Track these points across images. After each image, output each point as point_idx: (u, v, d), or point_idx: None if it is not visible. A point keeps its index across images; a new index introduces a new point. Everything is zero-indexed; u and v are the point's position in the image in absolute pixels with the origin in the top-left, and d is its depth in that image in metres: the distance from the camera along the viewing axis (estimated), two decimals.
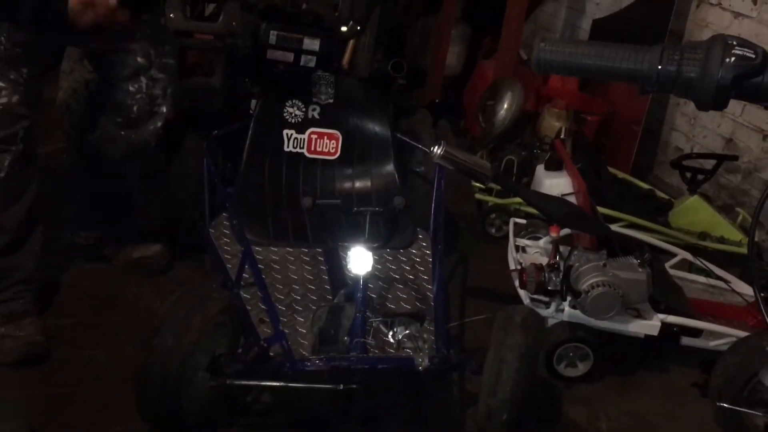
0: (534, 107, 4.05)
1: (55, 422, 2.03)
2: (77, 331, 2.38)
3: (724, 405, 1.73)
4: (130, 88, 2.39)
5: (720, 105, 0.74)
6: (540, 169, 3.18)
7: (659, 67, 0.75)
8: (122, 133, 2.43)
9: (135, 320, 2.36)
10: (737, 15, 3.90)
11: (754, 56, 0.72)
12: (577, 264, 2.40)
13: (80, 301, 2.53)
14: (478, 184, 3.49)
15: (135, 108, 2.41)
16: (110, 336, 2.36)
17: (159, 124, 2.43)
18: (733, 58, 0.72)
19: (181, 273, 2.75)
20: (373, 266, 2.12)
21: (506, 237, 3.10)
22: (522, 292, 2.54)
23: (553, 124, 3.67)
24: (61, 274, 2.67)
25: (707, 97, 0.73)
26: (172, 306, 1.88)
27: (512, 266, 2.79)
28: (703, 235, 3.39)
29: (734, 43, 0.72)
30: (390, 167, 2.74)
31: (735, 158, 3.56)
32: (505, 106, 3.55)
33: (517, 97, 3.54)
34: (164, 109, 2.46)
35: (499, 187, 3.43)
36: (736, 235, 3.38)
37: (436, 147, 2.08)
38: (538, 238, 3.04)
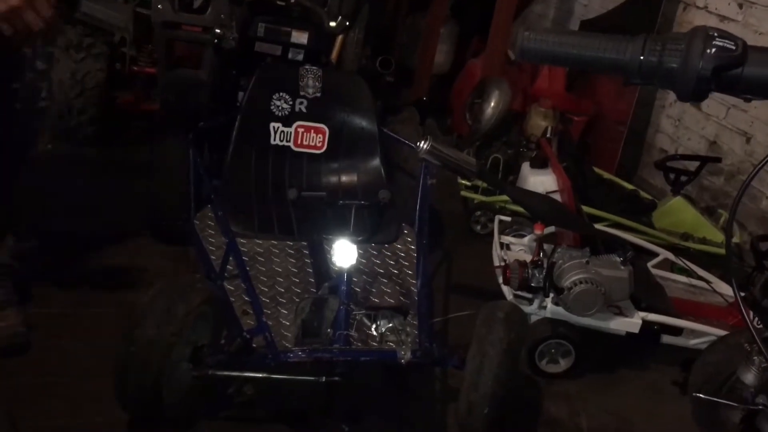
0: (521, 107, 4.07)
1: (37, 412, 2.01)
2: (59, 322, 2.36)
3: (701, 396, 1.75)
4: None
5: (700, 96, 0.74)
6: (525, 167, 3.20)
7: (641, 57, 0.76)
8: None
9: (117, 311, 2.34)
10: (723, 18, 3.93)
11: (734, 48, 0.73)
12: (560, 261, 2.41)
13: (61, 292, 2.51)
14: (463, 182, 3.50)
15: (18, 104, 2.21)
16: (91, 327, 2.35)
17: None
18: (713, 50, 0.73)
19: (165, 265, 2.74)
20: (357, 260, 2.12)
21: (491, 234, 3.12)
22: (505, 289, 2.56)
23: (539, 123, 3.69)
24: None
25: (688, 88, 0.74)
26: (154, 296, 1.87)
27: (496, 263, 2.81)
28: (686, 236, 3.42)
29: (715, 34, 0.73)
30: (376, 162, 2.75)
31: (718, 160, 3.60)
32: (492, 104, 3.56)
33: (504, 96, 3.56)
34: (44, 104, 2.22)
35: (484, 185, 3.45)
36: (718, 236, 3.42)
37: (423, 142, 2.09)
38: (523, 236, 3.06)
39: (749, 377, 1.57)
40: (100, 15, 3.33)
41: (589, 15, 4.99)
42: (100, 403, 2.01)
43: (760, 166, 0.88)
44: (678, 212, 3.50)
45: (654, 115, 4.40)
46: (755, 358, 1.67)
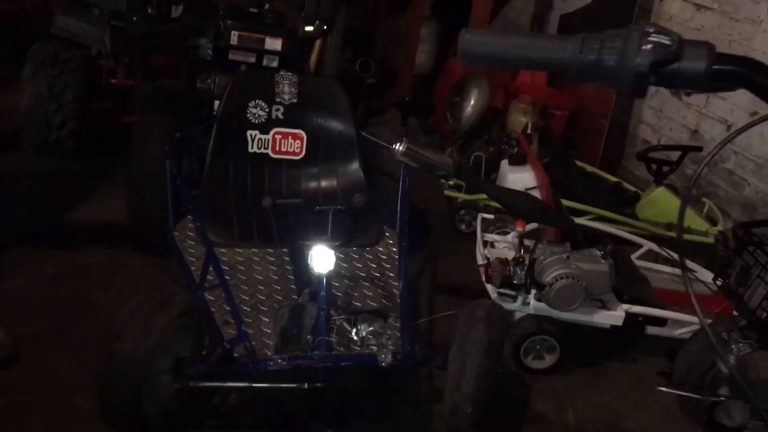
0: (503, 104, 4.07)
1: (21, 430, 2.01)
2: (41, 340, 2.36)
3: (663, 389, 1.75)
4: None
5: (640, 92, 0.75)
6: (504, 164, 3.21)
7: (580, 56, 0.76)
8: None
9: (99, 326, 2.33)
10: (699, 7, 3.95)
11: (670, 43, 0.73)
12: (541, 257, 2.41)
13: (44, 309, 2.50)
14: (447, 181, 3.50)
15: None
16: (74, 343, 2.34)
17: None
18: (649, 45, 0.73)
19: (147, 276, 2.73)
20: (337, 264, 2.12)
21: (475, 233, 3.12)
22: (489, 287, 2.56)
23: (519, 119, 3.69)
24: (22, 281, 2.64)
25: (627, 84, 0.75)
26: (132, 311, 1.86)
27: (480, 261, 2.80)
28: (670, 226, 3.42)
29: (651, 30, 0.74)
30: (355, 165, 2.74)
31: (699, 149, 3.61)
32: (472, 103, 3.56)
33: (483, 94, 3.56)
34: None
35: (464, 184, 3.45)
36: (703, 225, 3.42)
37: (398, 144, 2.09)
38: (507, 233, 3.06)
39: (724, 367, 1.57)
40: (75, 29, 3.32)
41: (568, 9, 4.99)
42: (83, 420, 2.01)
43: (714, 152, 0.88)
44: (661, 202, 3.51)
45: (635, 107, 4.41)
46: (732, 346, 1.68)
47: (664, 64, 0.73)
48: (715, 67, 0.74)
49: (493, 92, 3.87)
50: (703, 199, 3.68)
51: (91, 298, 2.58)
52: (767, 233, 1.99)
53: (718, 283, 2.22)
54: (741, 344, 1.84)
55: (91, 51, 3.51)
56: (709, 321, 2.40)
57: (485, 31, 0.80)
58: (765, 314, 1.86)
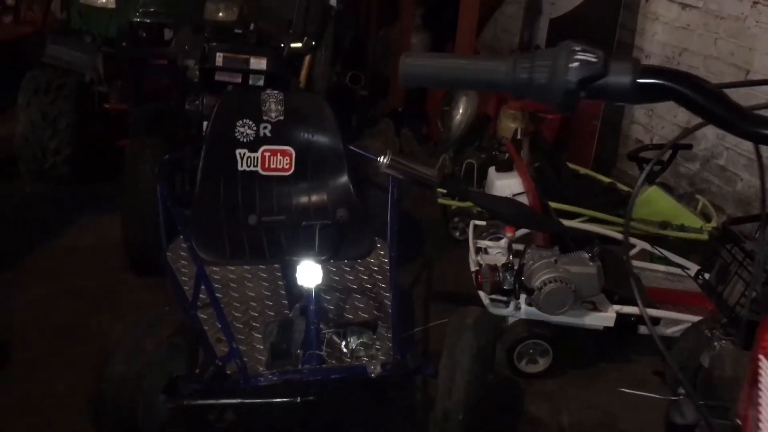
0: (493, 110, 4.10)
1: None
2: (39, 362, 2.39)
3: (625, 390, 1.77)
4: None
5: (571, 107, 0.77)
6: (492, 171, 3.23)
7: (513, 75, 0.79)
8: None
9: (95, 348, 2.37)
10: (685, 6, 3.97)
11: (595, 60, 0.76)
12: (530, 262, 2.44)
13: (41, 331, 2.54)
14: (440, 189, 3.53)
15: None
16: (70, 366, 2.37)
17: None
18: (576, 63, 0.76)
19: (143, 297, 2.77)
20: (328, 277, 2.15)
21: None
22: (481, 294, 2.58)
23: (509, 125, 3.72)
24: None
25: (558, 100, 0.77)
26: (123, 331, 1.90)
27: (473, 268, 2.83)
28: (664, 224, 3.44)
29: (577, 48, 0.76)
30: (344, 179, 2.77)
31: (689, 147, 3.62)
32: (461, 110, 3.59)
33: (472, 102, 3.59)
34: None
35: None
36: (697, 222, 3.43)
37: (382, 157, 2.12)
38: (500, 239, 3.08)
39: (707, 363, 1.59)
40: (67, 57, 3.38)
41: (558, 13, 5.03)
42: None
43: (668, 146, 0.90)
44: (655, 201, 3.52)
45: (627, 107, 4.42)
46: (715, 344, 1.69)
47: (592, 80, 0.76)
48: (640, 80, 0.76)
49: (483, 99, 3.90)
50: (697, 196, 3.69)
51: (87, 320, 2.62)
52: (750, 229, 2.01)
53: (699, 281, 2.24)
54: (723, 341, 1.85)
55: (84, 77, 3.56)
56: (700, 318, 2.42)
57: (424, 55, 0.83)
58: (743, 311, 1.88)
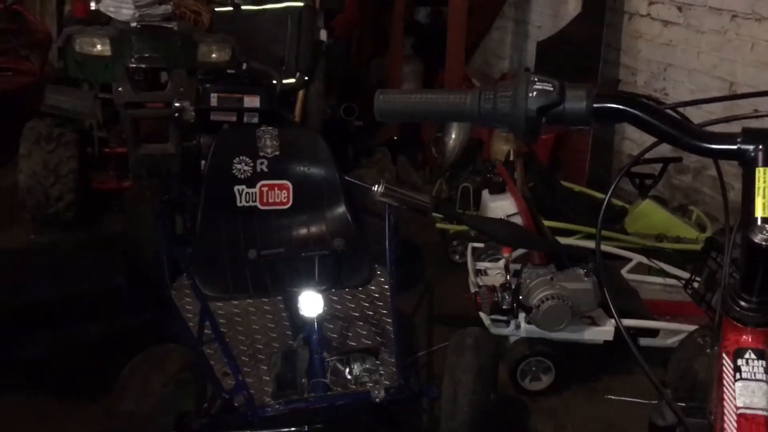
0: (486, 134, 4.18)
1: None
2: (48, 407, 2.43)
3: (611, 397, 1.79)
4: None
5: (534, 134, 0.83)
6: (485, 193, 3.29)
7: (479, 106, 0.85)
8: None
9: (105, 388, 2.41)
10: (666, 23, 4.06)
11: (552, 89, 0.82)
12: (527, 281, 2.48)
13: (49, 373, 2.58)
14: (436, 214, 3.59)
15: None
16: (83, 404, 2.41)
17: None
18: (534, 93, 0.82)
19: (151, 334, 2.81)
20: (330, 306, 2.20)
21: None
22: (482, 315, 2.62)
23: (501, 147, 3.79)
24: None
25: (521, 128, 0.83)
26: (131, 370, 1.94)
27: (472, 290, 2.87)
28: (660, 237, 3.48)
29: (535, 79, 0.82)
30: (342, 209, 2.84)
31: (679, 160, 3.68)
32: (453, 136, 3.67)
33: (464, 127, 3.67)
34: None
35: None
36: (692, 233, 3.48)
37: (377, 186, 2.19)
38: (498, 260, 3.13)
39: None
40: (66, 105, 3.47)
41: (544, 36, 5.13)
42: None
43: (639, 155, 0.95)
44: (648, 215, 3.57)
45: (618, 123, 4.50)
46: (707, 350, 1.73)
47: (550, 108, 0.82)
48: (595, 105, 0.83)
49: (475, 124, 3.98)
50: (691, 207, 3.74)
51: (95, 360, 2.66)
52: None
53: (689, 291, 2.28)
54: (715, 348, 1.88)
55: (83, 124, 3.65)
56: (697, 327, 2.45)
57: (397, 91, 0.90)
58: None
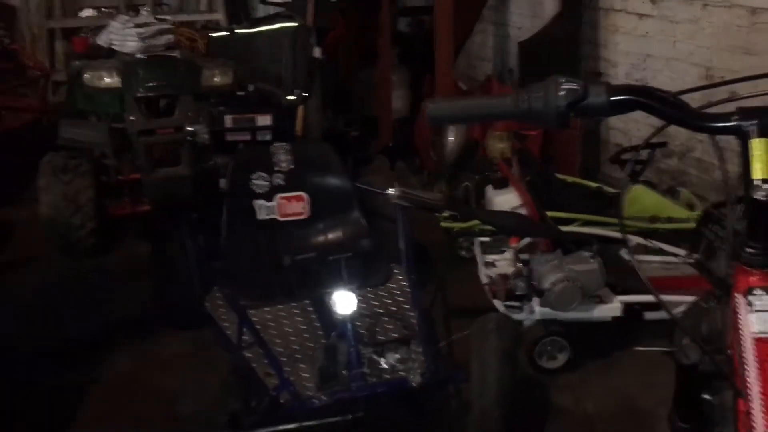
0: (480, 135, 4.36)
1: None
2: (104, 418, 2.58)
3: (640, 348, 1.98)
4: None
5: (565, 125, 1.01)
6: (489, 189, 3.48)
7: (517, 106, 1.03)
8: None
9: (154, 401, 2.57)
10: (641, 16, 4.28)
11: (577, 87, 1.00)
12: (537, 267, 2.67)
13: (90, 399, 2.72)
14: (442, 214, 3.76)
15: None
16: (134, 416, 2.56)
17: None
18: (563, 91, 1.00)
19: (185, 350, 2.96)
20: (357, 305, 2.36)
21: (476, 257, 3.36)
22: (496, 302, 2.80)
23: (497, 146, 3.97)
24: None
25: (553, 121, 1.01)
26: (185, 376, 2.10)
27: (484, 281, 3.05)
28: (654, 219, 3.68)
29: (562, 80, 1.00)
30: (356, 215, 3.00)
31: (664, 145, 3.89)
32: (451, 139, 3.85)
33: (460, 129, 3.85)
34: None
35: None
36: (683, 213, 3.68)
37: (391, 189, 2.36)
38: (504, 251, 3.31)
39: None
40: (80, 137, 3.62)
41: (524, 36, 5.34)
42: None
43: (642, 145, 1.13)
44: (640, 199, 3.76)
45: None
46: (712, 314, 1.91)
47: (577, 103, 1.00)
48: (613, 98, 1.01)
49: (469, 126, 4.17)
50: (679, 189, 3.94)
51: (137, 378, 2.81)
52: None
53: (691, 262, 2.47)
54: (719, 310, 2.07)
55: (95, 153, 3.80)
56: (696, 297, 2.64)
57: (445, 100, 1.07)
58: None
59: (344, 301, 2.31)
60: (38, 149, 3.88)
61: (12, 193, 4.49)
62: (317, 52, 4.41)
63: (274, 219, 2.97)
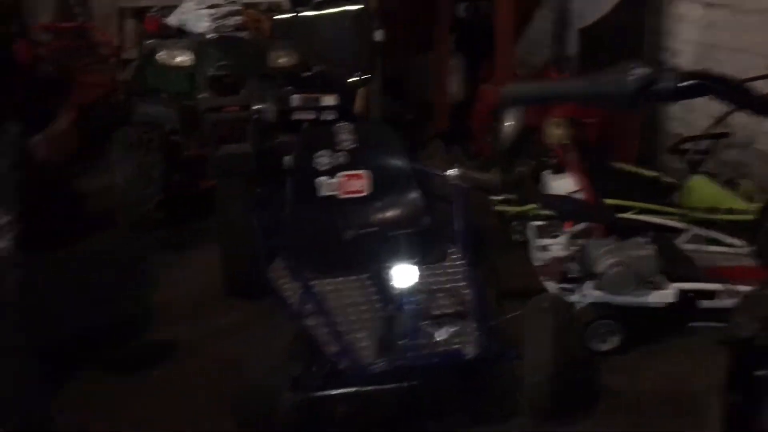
0: (537, 121, 4.38)
1: None
2: (172, 378, 2.74)
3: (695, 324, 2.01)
4: None
5: (634, 108, 1.07)
6: (546, 174, 3.52)
7: (589, 89, 1.09)
8: None
9: (211, 366, 2.73)
10: (708, 5, 4.22)
11: (648, 72, 1.05)
12: (592, 251, 2.71)
13: (155, 360, 2.91)
14: (496, 198, 3.82)
15: None
16: (188, 380, 2.73)
17: None
18: (634, 75, 1.06)
19: (246, 319, 3.11)
20: (415, 280, 2.46)
21: (529, 241, 3.42)
22: (549, 285, 2.86)
23: (555, 132, 3.99)
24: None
25: (624, 104, 1.07)
26: (250, 342, 2.24)
27: (537, 264, 3.11)
28: (712, 210, 3.65)
29: (633, 65, 1.06)
30: (415, 194, 3.08)
31: (726, 135, 3.85)
32: (509, 124, 3.90)
33: (518, 115, 3.89)
34: None
35: (515, 197, 3.76)
36: (742, 204, 3.65)
37: (451, 170, 2.44)
38: (557, 236, 3.35)
39: None
40: (153, 114, 3.79)
41: (586, 23, 5.30)
42: None
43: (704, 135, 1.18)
44: (699, 189, 3.74)
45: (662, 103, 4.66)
46: None
47: (647, 86, 1.06)
48: (681, 84, 1.06)
49: (527, 112, 4.19)
50: (740, 180, 3.90)
51: (201, 345, 2.97)
52: None
53: (751, 252, 2.48)
54: None
55: (164, 129, 3.97)
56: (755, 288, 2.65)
57: (521, 83, 1.15)
58: None
59: (403, 275, 2.41)
60: (109, 124, 4.07)
61: (85, 166, 4.71)
62: (379, 35, 4.49)
63: (336, 196, 3.08)
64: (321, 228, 2.98)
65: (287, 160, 3.12)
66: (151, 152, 3.75)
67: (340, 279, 2.77)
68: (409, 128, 5.12)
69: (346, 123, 3.08)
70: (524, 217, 3.73)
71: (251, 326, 2.79)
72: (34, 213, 3.30)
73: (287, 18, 4.57)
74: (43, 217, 3.34)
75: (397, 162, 3.14)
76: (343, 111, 3.32)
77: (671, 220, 3.42)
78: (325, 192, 3.07)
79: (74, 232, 3.78)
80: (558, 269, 2.77)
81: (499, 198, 3.82)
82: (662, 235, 2.88)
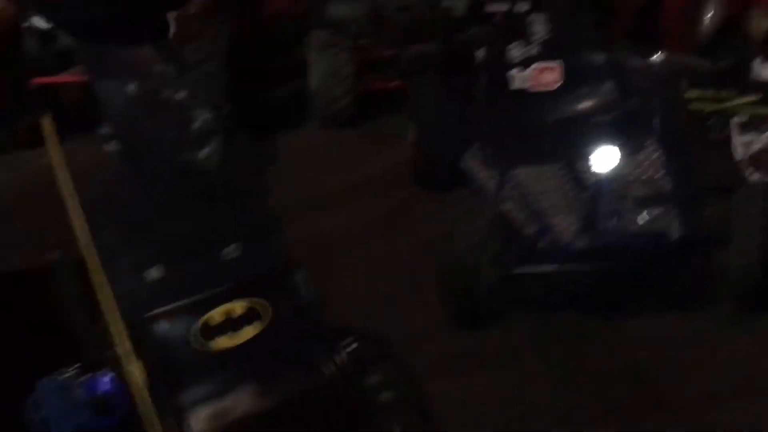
0: (740, 10, 4.06)
1: None
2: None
3: None
4: None
5: None
6: (756, 63, 3.30)
7: None
8: None
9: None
10: None
11: None
12: None
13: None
14: (691, 95, 3.63)
15: None
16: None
17: None
18: None
19: (435, 207, 3.24)
20: (612, 165, 2.47)
21: (727, 139, 3.26)
22: (755, 176, 2.73)
23: (761, 23, 3.70)
24: None
25: None
26: (455, 221, 2.39)
27: (739, 158, 2.98)
28: None
29: None
30: (609, 85, 3.02)
31: None
32: (710, 14, 3.67)
33: (719, 4, 3.65)
34: None
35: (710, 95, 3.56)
36: None
37: (656, 56, 2.38)
38: (761, 134, 3.17)
39: None
40: (344, 15, 3.97)
41: None
42: None
43: None
44: None
45: None
46: None
47: None
48: None
49: (729, 2, 3.90)
50: None
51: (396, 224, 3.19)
52: None
53: None
54: None
55: (354, 30, 4.13)
56: None
57: None
58: None
59: (602, 160, 2.42)
60: (295, 33, 4.28)
61: (273, 72, 5.00)
62: None
63: (528, 88, 3.10)
64: (514, 119, 3.03)
65: (479, 53, 3.16)
66: (341, 53, 3.94)
67: (537, 166, 2.83)
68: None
69: (540, 13, 3.05)
70: (722, 114, 3.54)
71: (448, 210, 2.94)
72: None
73: None
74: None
75: (591, 52, 3.08)
76: (538, 1, 3.27)
77: None
78: (517, 84, 3.10)
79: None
80: (765, 160, 2.63)
81: (693, 96, 3.64)
82: None
